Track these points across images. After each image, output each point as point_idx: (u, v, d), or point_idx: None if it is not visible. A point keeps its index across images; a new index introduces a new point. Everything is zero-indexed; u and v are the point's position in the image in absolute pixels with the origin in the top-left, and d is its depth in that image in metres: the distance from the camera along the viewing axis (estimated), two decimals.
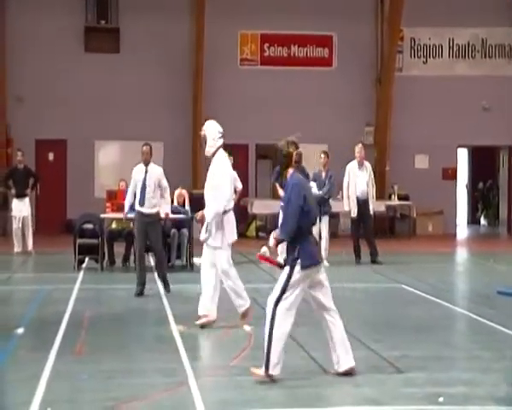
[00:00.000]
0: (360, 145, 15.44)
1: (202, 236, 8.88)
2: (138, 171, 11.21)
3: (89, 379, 6.63)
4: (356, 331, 8.64)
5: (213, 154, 8.98)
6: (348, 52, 22.59)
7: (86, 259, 14.24)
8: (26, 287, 12.13)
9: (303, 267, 6.72)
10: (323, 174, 15.20)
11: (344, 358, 6.83)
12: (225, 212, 8.91)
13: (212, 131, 9.03)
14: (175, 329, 8.71)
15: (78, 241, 13.99)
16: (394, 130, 22.57)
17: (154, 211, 11.06)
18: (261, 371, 6.62)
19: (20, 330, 8.45)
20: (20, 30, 21.22)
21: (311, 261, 6.81)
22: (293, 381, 6.76)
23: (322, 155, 15.34)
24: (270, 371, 6.58)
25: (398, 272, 13.86)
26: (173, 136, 22.01)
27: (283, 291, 6.76)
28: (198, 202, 19.11)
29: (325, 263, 14.86)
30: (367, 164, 15.36)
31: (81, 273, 13.38)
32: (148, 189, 11.01)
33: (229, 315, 9.65)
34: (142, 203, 10.98)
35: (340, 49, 22.81)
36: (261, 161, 22.88)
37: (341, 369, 6.79)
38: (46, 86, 21.43)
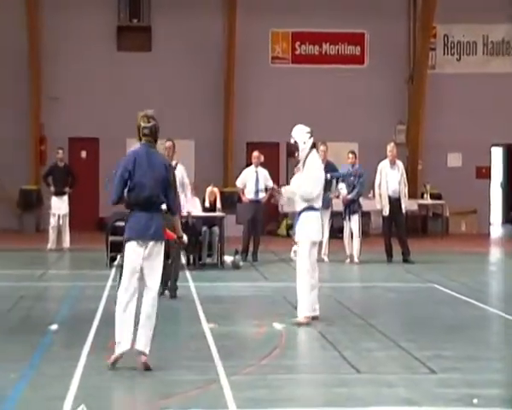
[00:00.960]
0: (392, 144, 15.35)
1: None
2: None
3: (121, 376, 6.66)
4: (388, 331, 8.60)
5: (306, 156, 9.00)
6: (380, 50, 22.46)
7: (118, 256, 14.32)
8: (59, 284, 12.24)
9: (126, 240, 6.91)
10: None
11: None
12: (313, 208, 8.95)
13: (300, 135, 9.07)
14: (206, 327, 8.72)
15: (111, 238, 14.07)
16: (427, 128, 22.41)
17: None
18: None
19: (55, 327, 8.53)
20: (55, 30, 21.42)
21: (131, 234, 6.89)
22: (325, 380, 6.74)
23: (350, 155, 15.31)
24: None
25: (430, 272, 13.75)
26: (205, 134, 22.06)
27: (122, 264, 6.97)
28: (229, 200, 19.25)
29: (356, 260, 14.90)
30: (399, 163, 15.26)
31: (113, 270, 13.44)
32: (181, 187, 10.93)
33: (261, 313, 9.66)
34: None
35: (372, 46, 22.70)
36: (292, 160, 22.80)
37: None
38: (79, 85, 21.61)
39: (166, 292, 10.65)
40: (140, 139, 7.06)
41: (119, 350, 6.86)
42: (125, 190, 6.89)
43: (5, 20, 21.01)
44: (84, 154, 22.30)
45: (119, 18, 21.85)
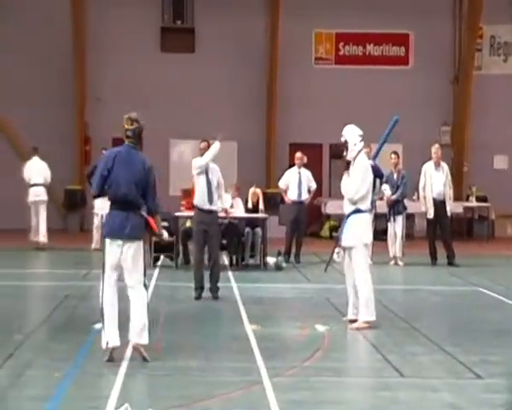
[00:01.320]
0: (437, 145, 15.18)
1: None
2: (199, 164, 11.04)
3: (164, 376, 6.69)
4: (433, 335, 8.50)
5: (354, 157, 8.92)
6: (425, 50, 22.23)
7: (161, 257, 14.41)
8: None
9: (104, 236, 7.20)
10: (395, 175, 15.05)
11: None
12: (360, 211, 8.86)
13: (352, 136, 8.97)
14: (249, 328, 8.71)
15: (154, 239, 14.15)
16: (472, 129, 22.10)
17: (215, 207, 10.92)
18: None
19: (98, 326, 8.57)
20: (99, 31, 21.63)
21: (106, 232, 7.12)
22: (369, 384, 6.68)
23: (393, 156, 15.18)
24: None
25: (475, 275, 13.56)
26: (247, 135, 22.08)
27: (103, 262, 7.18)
28: (272, 201, 19.20)
29: (399, 263, 14.76)
30: (444, 164, 15.09)
31: (156, 271, 13.55)
32: (213, 185, 10.88)
33: (303, 315, 9.62)
34: (210, 200, 10.84)
35: (416, 47, 22.47)
36: (335, 161, 22.70)
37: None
38: (123, 86, 21.78)
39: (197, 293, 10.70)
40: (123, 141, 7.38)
41: (110, 346, 7.07)
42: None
43: (51, 21, 21.27)
44: None
45: (163, 19, 21.97)
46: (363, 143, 9.01)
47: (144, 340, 7.16)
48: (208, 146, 11.16)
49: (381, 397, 6.25)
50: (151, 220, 7.22)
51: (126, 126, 7.41)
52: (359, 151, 8.96)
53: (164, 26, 21.93)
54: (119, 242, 7.07)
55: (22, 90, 21.40)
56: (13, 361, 7.09)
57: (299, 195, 15.10)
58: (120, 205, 7.12)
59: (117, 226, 7.05)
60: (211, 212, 10.83)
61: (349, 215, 8.89)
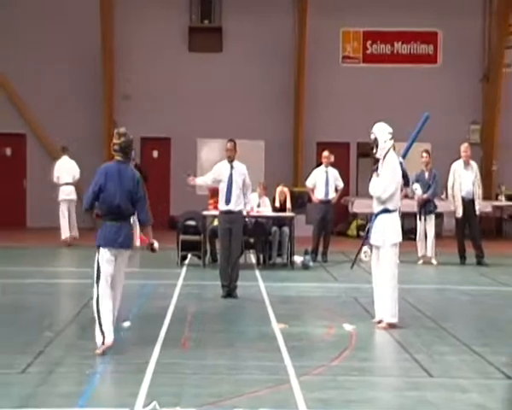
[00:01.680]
0: (466, 144, 15.08)
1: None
2: (223, 168, 11.04)
3: (193, 374, 6.73)
4: (461, 334, 8.45)
5: (384, 156, 8.88)
6: (454, 48, 22.08)
7: (189, 255, 14.47)
8: (132, 281, 12.34)
9: (97, 246, 7.63)
10: (426, 174, 14.98)
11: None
12: (388, 211, 8.80)
13: (382, 134, 8.90)
14: (276, 327, 8.72)
15: (181, 237, 14.24)
16: (502, 128, 21.90)
17: (238, 208, 10.89)
18: None
19: (127, 324, 8.67)
20: (127, 31, 21.78)
21: (101, 242, 7.62)
22: (397, 383, 6.66)
23: (424, 154, 15.10)
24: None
25: (504, 275, 13.45)
26: (275, 133, 22.09)
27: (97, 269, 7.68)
28: (299, 200, 19.19)
29: (433, 262, 14.69)
30: (473, 163, 14.98)
31: (184, 269, 13.61)
32: (235, 185, 10.84)
33: (331, 314, 9.61)
34: (228, 201, 10.85)
35: (445, 45, 22.32)
36: (362, 160, 22.64)
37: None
38: (151, 85, 21.91)
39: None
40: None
41: (106, 344, 7.45)
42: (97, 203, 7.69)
43: (79, 21, 21.44)
44: (155, 153, 22.60)
45: (191, 19, 22.04)
46: (392, 141, 8.95)
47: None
48: (235, 146, 11.14)
49: (408, 397, 6.24)
50: (141, 237, 7.70)
51: (114, 141, 7.87)
52: (389, 149, 8.89)
53: (191, 26, 22.00)
54: (113, 250, 7.63)
55: (51, 90, 21.61)
56: (43, 358, 7.17)
57: (327, 194, 15.07)
58: (113, 217, 7.65)
59: (112, 236, 7.60)
60: (230, 212, 10.83)
61: (377, 214, 8.84)
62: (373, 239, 8.86)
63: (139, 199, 7.76)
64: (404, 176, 14.79)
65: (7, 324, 8.74)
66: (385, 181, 8.80)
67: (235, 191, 10.84)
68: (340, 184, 15.40)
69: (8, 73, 21.50)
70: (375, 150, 8.90)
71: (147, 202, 7.88)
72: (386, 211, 8.79)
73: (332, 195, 15.16)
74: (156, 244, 8.03)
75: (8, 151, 22.23)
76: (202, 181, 11.42)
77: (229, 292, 10.76)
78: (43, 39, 21.51)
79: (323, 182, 15.13)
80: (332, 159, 15.56)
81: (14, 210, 21.80)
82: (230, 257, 10.91)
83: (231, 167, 11.00)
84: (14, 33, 21.47)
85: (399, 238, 8.82)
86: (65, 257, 15.63)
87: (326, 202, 15.07)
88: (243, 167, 11.08)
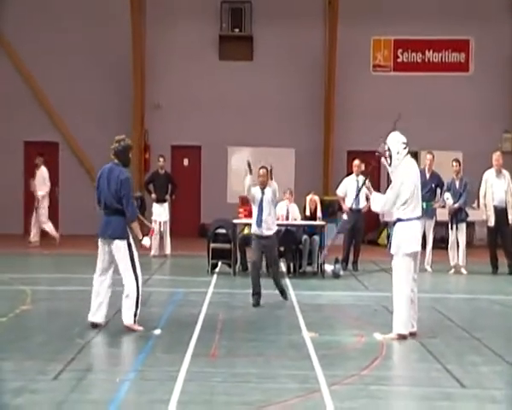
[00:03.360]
0: (498, 153, 14.95)
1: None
2: (256, 193, 11.13)
3: (223, 382, 6.74)
4: (493, 345, 8.36)
5: (397, 166, 8.76)
6: (486, 56, 21.91)
7: (219, 263, 14.50)
8: (163, 289, 12.48)
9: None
10: (457, 183, 14.87)
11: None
12: (400, 220, 8.65)
13: (395, 145, 8.77)
14: (307, 335, 8.70)
15: (212, 245, 14.27)
16: None
17: (270, 233, 11.03)
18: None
19: (158, 331, 8.71)
20: (159, 39, 21.93)
21: (98, 233, 8.92)
22: (428, 394, 6.60)
23: (454, 163, 15.01)
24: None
25: None
26: (305, 142, 22.09)
27: None
28: (329, 209, 19.15)
29: (463, 271, 14.56)
30: (505, 172, 14.84)
31: (214, 277, 13.64)
32: (266, 211, 10.98)
33: (361, 323, 9.57)
34: (259, 224, 10.98)
35: (477, 53, 22.15)
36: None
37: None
38: (182, 93, 22.03)
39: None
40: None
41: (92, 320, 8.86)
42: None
43: (110, 29, 21.65)
44: (186, 161, 22.70)
45: (221, 28, 22.13)
46: (407, 150, 8.81)
47: (128, 320, 8.82)
48: (267, 173, 11.12)
49: (439, 407, 6.18)
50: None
51: (111, 146, 9.00)
52: (403, 159, 8.75)
53: (222, 35, 22.08)
54: (104, 240, 8.82)
55: (83, 99, 21.83)
56: (74, 365, 7.23)
57: (357, 202, 15.02)
58: (104, 211, 8.84)
59: (102, 228, 8.81)
60: (262, 237, 11.00)
61: (395, 223, 8.75)
62: (390, 248, 8.77)
63: (122, 197, 8.72)
64: (439, 184, 14.77)
65: (39, 330, 8.83)
66: (388, 194, 8.72)
67: (266, 215, 11.00)
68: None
69: (42, 82, 21.78)
70: (389, 161, 8.76)
71: (130, 199, 8.76)
72: (399, 220, 8.64)
73: (362, 204, 15.10)
74: (145, 242, 8.93)
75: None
76: (248, 182, 11.24)
77: (259, 301, 10.81)
78: (75, 49, 21.74)
79: (354, 191, 15.08)
80: (363, 167, 15.50)
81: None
82: (268, 268, 11.48)
83: (263, 193, 11.08)
84: (47, 42, 21.73)
85: (412, 248, 8.54)
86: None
87: (356, 211, 15.01)
88: (274, 189, 11.11)
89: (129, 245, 8.74)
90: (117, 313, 9.83)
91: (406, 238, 8.56)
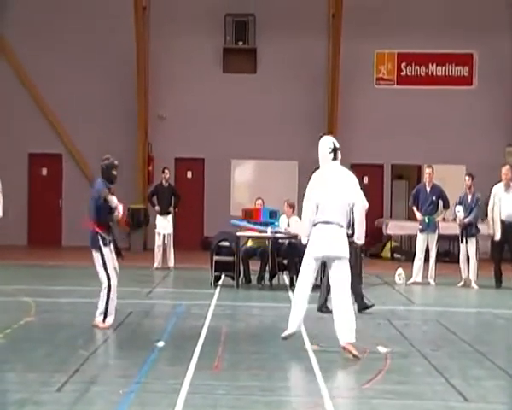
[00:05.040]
0: (507, 166, 14.95)
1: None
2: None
3: (226, 395, 6.73)
4: (497, 359, 8.34)
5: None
6: (490, 70, 21.96)
7: (222, 276, 14.49)
8: (166, 301, 12.48)
9: None
10: (469, 197, 14.86)
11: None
12: (313, 225, 8.40)
13: (321, 149, 8.61)
14: (310, 348, 8.69)
15: (215, 258, 14.27)
16: None
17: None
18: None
19: (161, 344, 8.71)
20: (162, 52, 22.02)
21: None
22: (432, 407, 6.58)
23: (467, 178, 15.00)
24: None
25: None
26: (308, 154, 21.97)
27: None
28: None
29: (474, 285, 14.53)
30: None
31: (217, 290, 13.63)
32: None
33: (364, 336, 9.55)
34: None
35: (481, 67, 22.21)
36: (396, 182, 22.60)
37: None
38: (186, 106, 22.09)
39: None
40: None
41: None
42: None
43: (114, 42, 21.75)
44: (189, 174, 22.74)
45: (225, 40, 22.22)
46: (332, 155, 8.51)
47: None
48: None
49: None
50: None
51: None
52: (326, 164, 8.52)
53: (226, 47, 22.17)
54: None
55: (87, 111, 21.91)
56: (78, 377, 7.22)
57: None
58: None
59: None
60: None
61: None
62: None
63: (93, 207, 9.62)
64: (444, 200, 14.78)
65: (43, 342, 8.82)
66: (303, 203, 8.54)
67: None
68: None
69: (46, 94, 21.86)
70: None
71: (93, 207, 9.57)
72: (313, 225, 8.39)
73: None
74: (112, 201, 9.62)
75: (45, 171, 22.53)
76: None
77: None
78: (78, 60, 21.82)
79: None
80: (365, 181, 15.51)
81: (50, 229, 22.06)
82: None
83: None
84: (50, 54, 21.83)
85: (314, 253, 8.32)
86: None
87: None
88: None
89: (101, 253, 9.52)
90: (120, 325, 9.85)
91: (311, 243, 8.37)
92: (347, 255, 8.31)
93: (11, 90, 21.91)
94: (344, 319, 8.30)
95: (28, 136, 21.98)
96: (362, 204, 8.38)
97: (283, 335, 8.64)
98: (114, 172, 9.75)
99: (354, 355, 8.16)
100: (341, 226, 8.25)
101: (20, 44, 21.85)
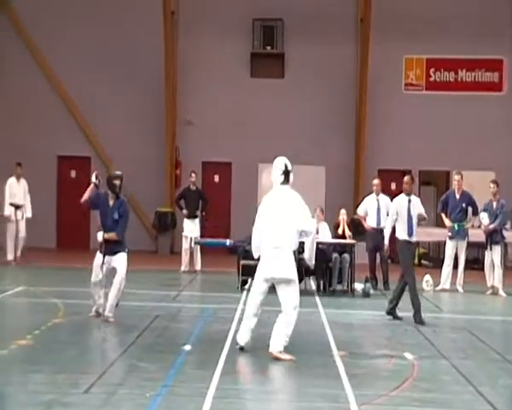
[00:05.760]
0: None
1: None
2: (400, 201, 11.33)
3: (252, 400, 6.73)
4: None
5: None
6: None
7: (249, 280, 14.47)
8: (192, 305, 12.51)
9: None
10: (495, 204, 14.74)
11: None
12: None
13: (273, 171, 8.81)
14: (337, 354, 8.66)
15: (242, 262, 14.27)
16: None
17: (415, 239, 11.34)
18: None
19: (187, 347, 8.73)
20: (190, 56, 22.09)
21: None
22: None
23: (492, 185, 14.89)
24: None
25: None
26: (336, 160, 22.06)
27: None
28: (360, 228, 19.05)
29: (501, 293, 14.39)
30: None
31: (244, 294, 13.61)
32: (414, 219, 11.17)
33: (391, 343, 9.50)
34: (410, 233, 11.16)
35: (510, 72, 22.00)
36: (425, 188, 22.43)
37: None
38: (213, 110, 22.14)
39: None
40: None
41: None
42: None
43: (143, 46, 21.86)
44: (217, 178, 22.78)
45: (253, 45, 22.23)
46: (283, 177, 8.68)
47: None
48: (412, 179, 11.38)
49: None
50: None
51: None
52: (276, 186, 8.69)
53: (254, 52, 22.19)
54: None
55: (115, 115, 22.05)
56: (106, 379, 7.26)
57: (378, 222, 14.98)
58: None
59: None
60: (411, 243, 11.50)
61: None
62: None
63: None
64: (474, 207, 14.65)
65: (71, 343, 8.89)
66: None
67: (415, 224, 11.33)
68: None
69: (75, 97, 22.04)
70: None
71: (124, 221, 10.43)
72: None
73: (384, 223, 15.02)
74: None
75: (73, 173, 22.71)
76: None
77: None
78: (108, 66, 21.98)
79: (375, 210, 15.09)
80: (380, 186, 15.46)
81: (78, 232, 22.21)
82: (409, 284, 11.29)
83: (409, 201, 11.30)
84: (81, 58, 22.01)
85: (262, 275, 8.60)
86: (128, 280, 15.79)
87: (378, 230, 14.95)
88: (418, 200, 11.59)
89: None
90: (146, 328, 9.89)
91: (260, 265, 8.57)
92: (294, 277, 8.51)
93: (41, 93, 22.12)
94: (278, 332, 8.51)
95: (57, 138, 22.17)
96: (312, 229, 8.54)
97: (239, 346, 8.67)
98: (114, 183, 10.55)
99: (286, 360, 8.24)
100: (289, 250, 8.43)
101: (52, 49, 22.04)
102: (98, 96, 21.97)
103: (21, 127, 22.06)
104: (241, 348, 8.60)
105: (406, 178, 11.50)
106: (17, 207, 17.24)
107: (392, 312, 11.35)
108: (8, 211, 17.17)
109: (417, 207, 11.40)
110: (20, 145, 21.60)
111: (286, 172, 8.60)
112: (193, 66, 22.13)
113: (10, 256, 17.19)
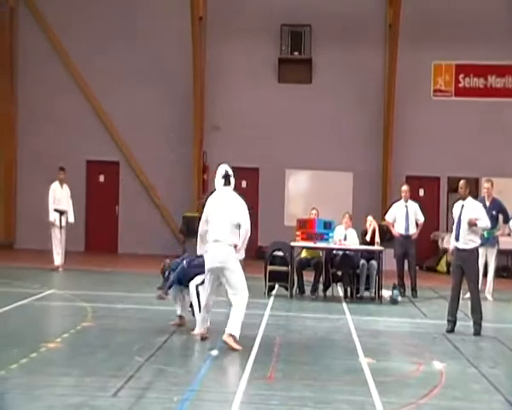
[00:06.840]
0: None
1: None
2: (456, 206, 10.99)
3: (279, 405, 6.72)
4: None
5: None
6: None
7: (276, 286, 14.49)
8: (219, 310, 12.46)
9: None
10: None
11: None
12: None
13: (216, 177, 9.75)
14: (364, 361, 8.63)
15: (269, 268, 14.28)
16: None
17: (469, 247, 10.77)
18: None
19: (215, 352, 8.75)
20: (218, 61, 22.16)
21: None
22: None
23: None
24: None
25: None
26: (363, 166, 21.99)
27: None
28: (388, 234, 18.99)
29: (488, 297, 14.24)
30: None
31: (271, 300, 13.64)
32: (463, 224, 10.74)
33: (419, 350, 9.45)
34: (457, 238, 10.81)
35: None
36: (453, 195, 22.27)
37: None
38: (240, 115, 22.19)
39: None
40: None
41: None
42: None
43: (172, 51, 21.96)
44: (244, 183, 22.80)
45: (281, 50, 22.25)
46: (223, 181, 9.66)
47: None
48: (466, 184, 10.89)
49: None
50: None
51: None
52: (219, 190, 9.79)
53: (281, 57, 22.20)
54: None
55: (144, 120, 22.19)
56: (133, 383, 7.30)
57: (407, 228, 14.91)
58: None
59: None
60: (458, 249, 10.97)
61: None
62: None
63: None
64: (504, 214, 14.52)
65: (99, 347, 8.95)
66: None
67: (463, 230, 10.82)
68: (421, 219, 15.17)
69: (104, 102, 22.21)
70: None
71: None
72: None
73: (412, 230, 14.96)
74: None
75: (102, 178, 22.88)
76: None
77: (454, 328, 10.83)
78: (136, 71, 22.13)
79: (403, 216, 15.00)
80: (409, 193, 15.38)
81: (107, 236, 22.37)
82: (470, 294, 11.15)
83: (462, 206, 10.91)
84: (109, 63, 22.19)
85: (207, 265, 9.44)
86: (155, 283, 15.87)
87: (406, 237, 14.87)
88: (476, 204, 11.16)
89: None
90: (174, 333, 9.93)
91: (205, 258, 9.48)
92: (233, 266, 9.37)
93: (72, 99, 22.32)
94: (233, 314, 9.26)
95: (86, 143, 22.35)
96: (247, 225, 9.47)
97: (195, 333, 9.66)
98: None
99: (233, 348, 8.92)
100: (230, 244, 9.37)
101: (82, 55, 22.24)
102: (126, 101, 22.12)
103: (51, 132, 22.28)
104: (203, 339, 9.42)
105: (461, 183, 10.95)
106: (61, 212, 17.36)
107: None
108: (53, 217, 17.30)
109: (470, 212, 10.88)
110: (52, 150, 21.84)
111: (226, 176, 9.69)
112: (221, 71, 22.20)
113: (58, 262, 17.27)
